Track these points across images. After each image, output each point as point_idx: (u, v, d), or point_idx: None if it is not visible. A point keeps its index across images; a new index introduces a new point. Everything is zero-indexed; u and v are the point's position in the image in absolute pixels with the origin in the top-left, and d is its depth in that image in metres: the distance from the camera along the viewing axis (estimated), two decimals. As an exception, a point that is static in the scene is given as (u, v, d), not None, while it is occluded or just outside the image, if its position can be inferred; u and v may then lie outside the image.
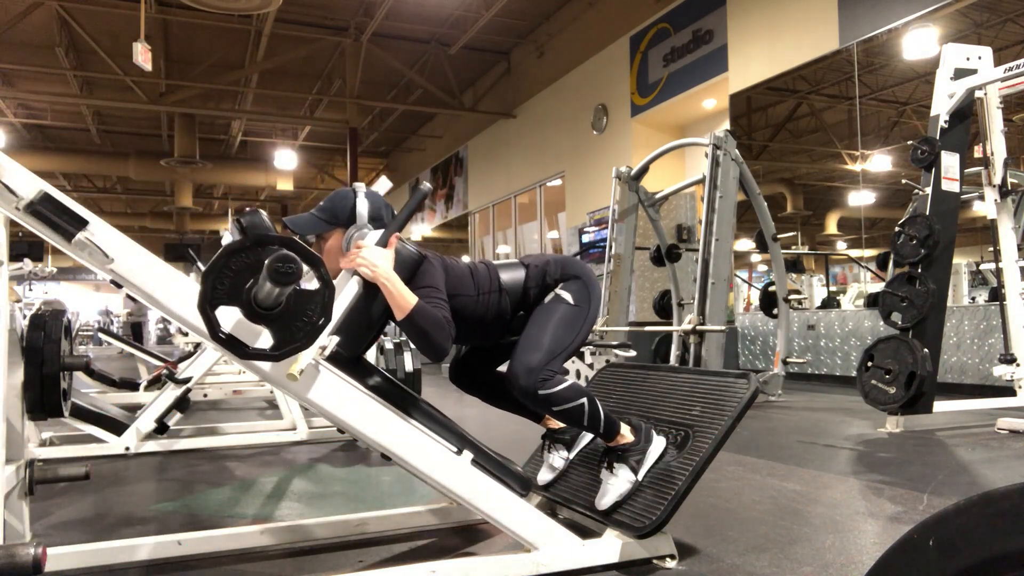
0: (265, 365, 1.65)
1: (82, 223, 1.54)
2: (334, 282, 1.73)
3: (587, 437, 2.36)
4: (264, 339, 1.60)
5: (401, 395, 1.97)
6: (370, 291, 1.85)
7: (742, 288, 9.29)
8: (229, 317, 1.58)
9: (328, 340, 1.68)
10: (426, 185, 2.00)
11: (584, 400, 2.01)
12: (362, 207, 1.92)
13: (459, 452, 1.91)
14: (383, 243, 1.87)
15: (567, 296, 2.07)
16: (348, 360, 1.92)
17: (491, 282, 2.07)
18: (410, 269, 1.93)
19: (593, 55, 11.60)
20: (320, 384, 1.73)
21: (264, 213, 1.87)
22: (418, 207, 1.99)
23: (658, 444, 2.10)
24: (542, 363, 1.96)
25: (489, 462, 1.96)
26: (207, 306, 1.53)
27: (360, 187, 1.97)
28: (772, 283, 6.13)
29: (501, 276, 2.09)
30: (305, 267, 1.53)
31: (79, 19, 11.84)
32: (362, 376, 1.91)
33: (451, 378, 2.34)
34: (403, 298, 1.82)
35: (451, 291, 1.97)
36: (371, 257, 1.82)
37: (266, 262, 1.47)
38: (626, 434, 2.10)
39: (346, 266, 1.86)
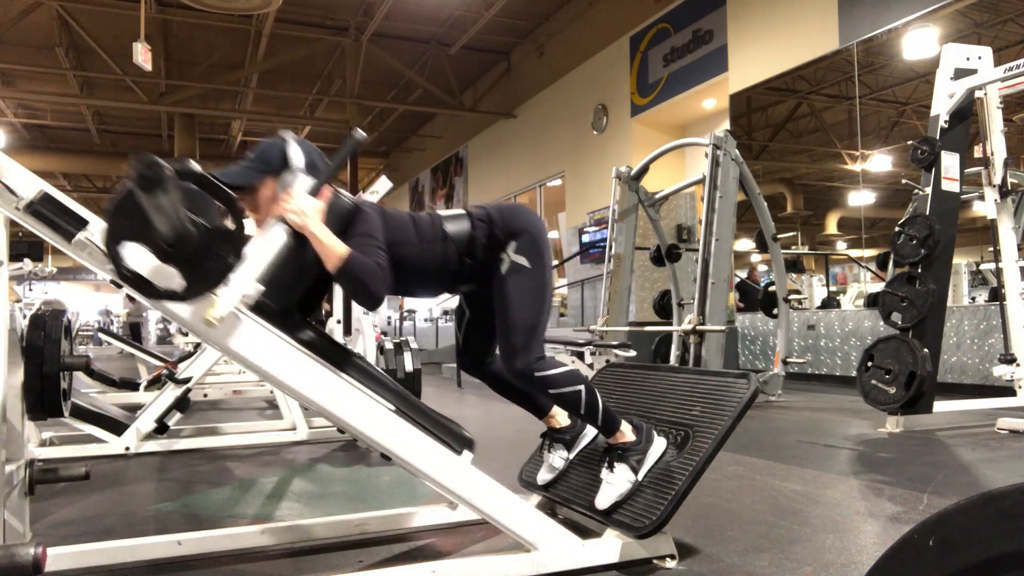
0: (180, 309, 1.59)
1: (82, 223, 1.54)
2: (263, 231, 1.69)
3: (587, 437, 2.35)
4: (176, 282, 1.55)
5: (334, 350, 1.89)
6: (300, 241, 1.78)
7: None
8: (140, 258, 1.53)
9: (251, 288, 1.62)
10: (359, 132, 1.89)
11: (581, 387, 2.02)
12: (294, 153, 1.85)
13: (397, 411, 1.84)
14: (314, 192, 1.80)
15: (522, 261, 2.00)
16: (279, 313, 1.83)
17: (434, 230, 1.99)
18: (344, 219, 1.86)
19: (593, 55, 11.60)
20: (241, 333, 1.66)
21: (192, 162, 1.75)
22: (350, 154, 1.90)
23: (659, 445, 2.10)
24: (526, 341, 1.96)
25: (426, 419, 1.89)
26: (111, 242, 1.48)
27: (289, 134, 1.90)
28: (772, 283, 6.13)
29: (446, 226, 2.00)
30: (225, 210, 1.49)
31: (79, 19, 11.84)
32: (293, 330, 1.82)
33: (461, 366, 2.32)
34: (332, 248, 1.74)
35: (391, 239, 1.89)
36: (299, 206, 1.75)
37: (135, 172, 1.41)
38: (627, 433, 2.10)
39: (274, 214, 1.78)
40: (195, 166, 1.60)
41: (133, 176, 1.44)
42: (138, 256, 1.52)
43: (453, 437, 1.91)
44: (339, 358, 1.86)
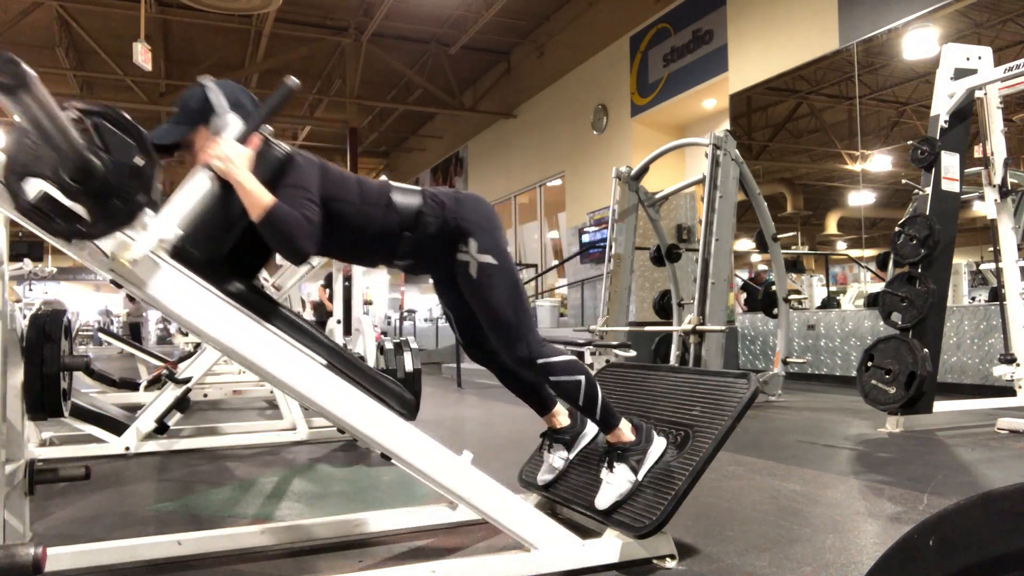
0: (93, 250, 1.54)
1: (63, 211, 1.52)
2: (192, 179, 1.64)
3: (587, 437, 2.35)
4: (80, 218, 1.50)
5: (262, 303, 1.82)
6: (227, 188, 1.71)
7: (738, 286, 9.29)
8: (44, 193, 1.47)
9: (169, 232, 1.57)
10: (292, 80, 1.80)
11: (582, 378, 2.02)
12: (215, 97, 1.79)
13: (328, 366, 1.78)
14: (243, 140, 1.73)
15: (489, 259, 1.95)
16: (205, 263, 1.76)
17: (379, 196, 1.92)
18: (275, 168, 1.79)
19: (593, 55, 11.61)
20: (159, 279, 1.61)
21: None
22: (281, 102, 1.81)
23: (658, 445, 2.10)
24: (520, 331, 1.96)
25: (362, 376, 1.83)
26: (11, 176, 1.43)
27: (207, 78, 1.84)
28: (772, 283, 6.13)
29: (393, 194, 1.94)
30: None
31: (79, 19, 11.84)
32: (218, 280, 1.75)
33: (472, 358, 2.30)
34: (257, 197, 1.68)
35: (327, 194, 1.83)
36: (225, 152, 1.69)
37: None
38: (626, 432, 2.10)
39: (201, 160, 1.71)
40: (105, 106, 1.54)
41: None
42: (41, 191, 1.45)
43: (392, 396, 1.85)
44: (267, 311, 1.79)
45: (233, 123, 1.75)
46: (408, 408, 1.87)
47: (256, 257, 1.94)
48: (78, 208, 1.48)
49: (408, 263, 2.04)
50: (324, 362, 1.78)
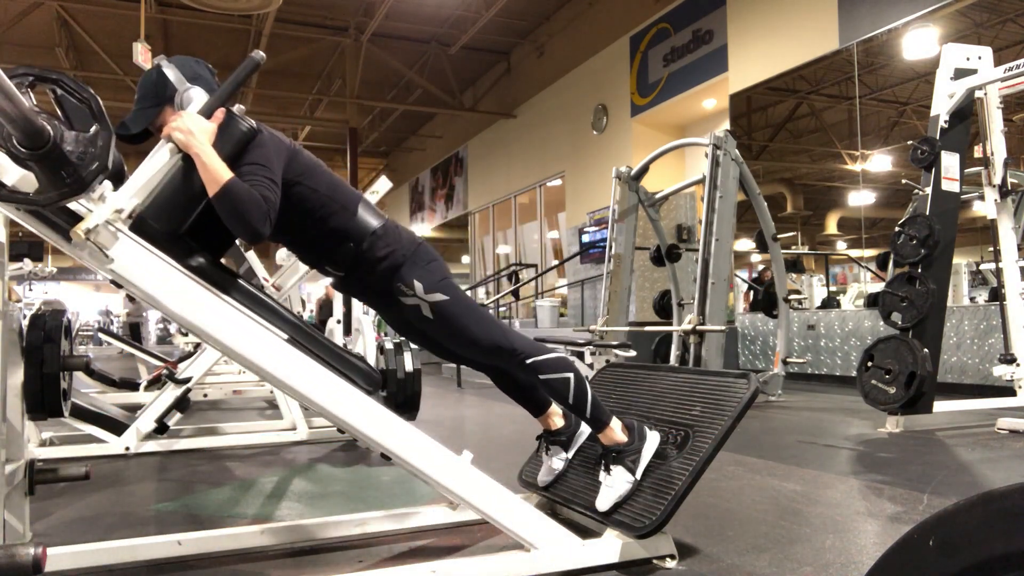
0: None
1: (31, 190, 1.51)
2: (154, 152, 1.63)
3: (584, 435, 2.35)
4: (30, 185, 1.46)
5: (223, 278, 1.79)
6: (189, 162, 1.68)
7: (742, 287, 9.29)
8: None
9: (127, 203, 1.56)
10: (258, 53, 1.78)
11: (571, 375, 2.02)
12: (171, 73, 1.78)
13: (290, 341, 1.75)
14: (207, 113, 1.72)
15: (438, 297, 1.92)
16: (164, 236, 1.72)
17: (347, 198, 1.91)
18: (238, 144, 1.76)
19: (593, 55, 11.60)
20: (117, 251, 1.58)
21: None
22: (247, 76, 1.80)
23: (651, 440, 2.10)
24: (498, 343, 1.97)
25: (326, 352, 1.81)
26: None
27: (161, 58, 1.82)
28: (772, 283, 6.13)
29: (360, 206, 1.92)
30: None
31: (79, 19, 11.84)
32: (179, 255, 1.71)
33: (454, 364, 2.31)
34: (215, 171, 1.65)
35: (292, 176, 1.81)
36: (186, 124, 1.67)
37: None
38: (618, 432, 2.09)
39: (163, 133, 1.69)
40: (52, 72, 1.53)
41: None
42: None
43: (358, 373, 1.83)
44: (226, 284, 1.76)
45: (197, 96, 1.74)
46: (374, 385, 1.85)
47: (220, 236, 1.88)
48: (28, 175, 1.45)
49: (339, 274, 2.00)
50: (285, 336, 1.76)
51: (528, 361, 1.99)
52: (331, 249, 1.93)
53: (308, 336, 1.81)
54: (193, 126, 1.67)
